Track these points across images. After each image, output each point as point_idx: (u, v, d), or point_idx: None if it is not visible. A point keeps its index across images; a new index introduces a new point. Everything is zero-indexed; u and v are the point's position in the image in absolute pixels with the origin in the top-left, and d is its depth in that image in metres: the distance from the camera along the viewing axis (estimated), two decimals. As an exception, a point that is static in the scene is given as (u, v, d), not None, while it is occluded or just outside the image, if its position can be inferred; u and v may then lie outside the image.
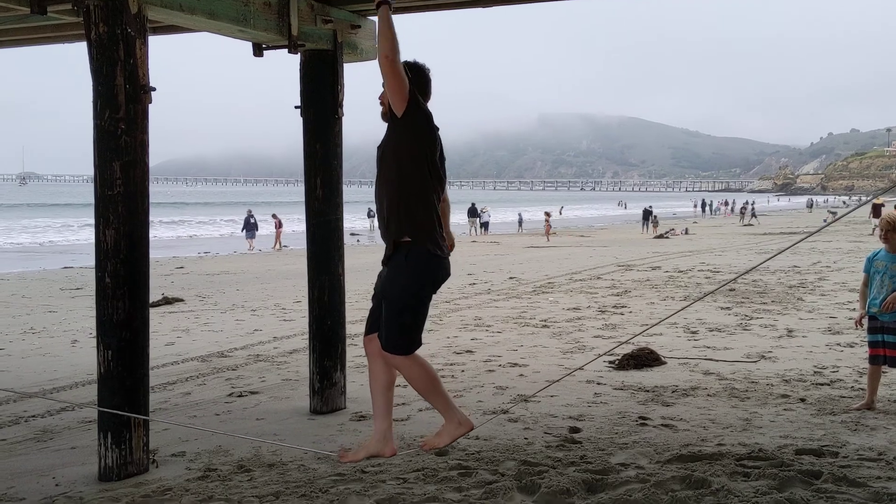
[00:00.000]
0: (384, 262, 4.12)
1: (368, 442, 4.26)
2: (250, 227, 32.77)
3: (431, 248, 3.97)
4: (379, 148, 4.19)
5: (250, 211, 34.32)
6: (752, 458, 4.80)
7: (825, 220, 45.71)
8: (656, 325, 8.13)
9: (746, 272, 7.08)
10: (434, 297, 4.16)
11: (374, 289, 4.22)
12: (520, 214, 49.29)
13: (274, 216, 35.50)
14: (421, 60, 4.23)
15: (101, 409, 4.83)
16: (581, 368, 7.34)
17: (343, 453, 4.38)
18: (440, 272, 4.05)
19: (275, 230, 34.13)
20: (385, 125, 4.21)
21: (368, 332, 4.22)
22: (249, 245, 31.73)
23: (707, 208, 69.50)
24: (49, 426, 6.10)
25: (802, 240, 6.14)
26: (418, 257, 3.95)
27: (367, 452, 4.19)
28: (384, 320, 4.04)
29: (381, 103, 4.15)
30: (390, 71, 3.88)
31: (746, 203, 58.16)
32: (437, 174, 4.09)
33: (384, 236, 4.11)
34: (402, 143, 4.00)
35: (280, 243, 33.08)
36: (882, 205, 37.83)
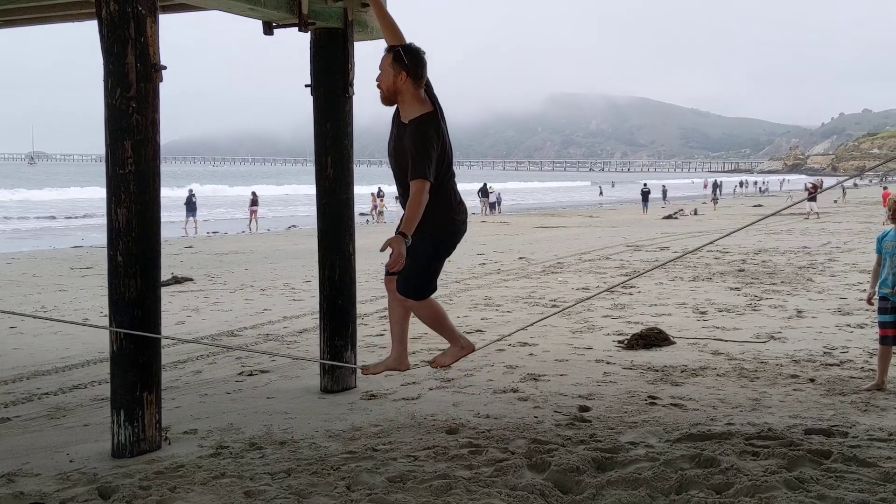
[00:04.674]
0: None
1: (387, 359, 4.79)
2: (190, 206, 30.05)
3: (455, 221, 4.40)
4: (390, 147, 4.38)
5: (192, 190, 31.84)
6: (761, 438, 4.81)
7: (835, 201, 45.55)
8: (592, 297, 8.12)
9: (695, 250, 7.06)
10: (444, 277, 4.53)
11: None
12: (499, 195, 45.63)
13: (252, 194, 34.06)
14: (417, 43, 4.33)
15: (121, 329, 4.86)
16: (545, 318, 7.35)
17: (364, 367, 4.91)
18: (458, 236, 4.49)
19: (249, 210, 32.65)
20: (385, 108, 4.37)
21: (388, 273, 4.54)
22: (185, 225, 29.18)
23: (718, 190, 67.99)
24: (62, 403, 6.15)
25: (767, 217, 6.12)
26: (440, 235, 4.38)
27: (385, 367, 4.76)
28: (404, 270, 4.34)
29: (379, 87, 4.28)
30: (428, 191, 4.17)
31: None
32: (450, 163, 4.36)
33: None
34: None
35: (256, 224, 31.53)
36: (816, 187, 37.44)
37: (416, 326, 5.23)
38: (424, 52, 4.28)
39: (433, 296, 4.55)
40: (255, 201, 33.23)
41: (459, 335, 4.76)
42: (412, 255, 4.31)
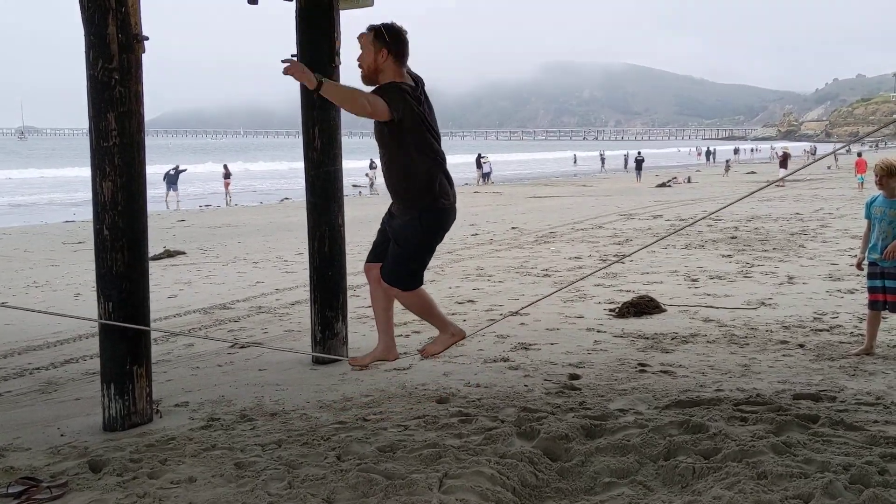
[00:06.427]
0: (393, 208, 4.34)
1: (374, 350, 4.67)
2: (170, 180, 30.41)
3: (442, 203, 4.21)
4: (375, 124, 4.23)
5: (178, 165, 32.26)
6: (749, 403, 4.84)
7: (828, 167, 45.57)
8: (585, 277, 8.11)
9: (699, 219, 7.06)
10: (436, 247, 4.40)
11: (382, 224, 4.45)
12: (490, 166, 43.22)
13: (225, 167, 34.47)
14: (398, 23, 4.24)
15: (103, 322, 4.86)
16: (546, 297, 7.37)
17: (352, 359, 4.82)
18: (450, 220, 4.32)
19: (224, 183, 32.93)
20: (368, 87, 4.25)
21: (371, 261, 4.48)
22: (167, 198, 29.50)
23: (711, 157, 69.35)
24: (53, 378, 6.15)
25: (768, 185, 6.11)
26: (432, 215, 4.21)
27: (373, 358, 4.65)
28: (392, 257, 4.30)
29: (360, 66, 4.20)
30: (370, 113, 3.96)
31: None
32: (435, 133, 4.21)
33: (394, 199, 4.31)
34: (397, 135, 4.07)
35: (229, 198, 31.76)
36: (787, 155, 37.89)
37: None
38: (406, 32, 4.20)
39: None
40: (227, 174, 33.53)
41: (449, 322, 4.61)
42: (399, 240, 4.23)
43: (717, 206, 22.29)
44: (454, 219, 4.34)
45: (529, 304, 7.03)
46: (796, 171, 5.86)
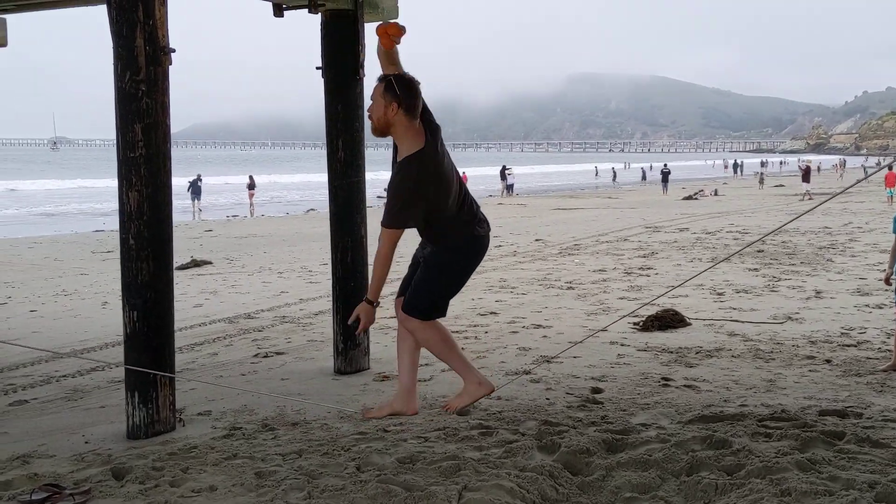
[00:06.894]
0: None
1: (392, 400, 4.43)
2: (196, 190, 31.40)
3: (476, 230, 4.13)
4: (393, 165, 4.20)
5: (199, 175, 33.45)
6: (774, 419, 4.77)
7: (858, 181, 45.06)
8: (680, 286, 8.09)
9: (771, 232, 7.01)
10: (464, 280, 4.30)
11: (414, 257, 4.32)
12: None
13: (250, 178, 35.05)
14: (409, 74, 4.15)
15: (127, 367, 4.91)
16: (605, 329, 7.32)
17: (366, 411, 4.54)
18: (483, 248, 4.20)
19: (248, 194, 33.52)
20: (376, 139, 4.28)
21: (401, 294, 4.32)
22: (193, 207, 30.46)
23: (739, 170, 68.91)
24: (79, 386, 6.22)
25: (827, 200, 6.04)
26: (464, 238, 4.12)
27: (390, 410, 4.38)
28: (416, 280, 4.15)
29: (370, 117, 4.11)
30: (398, 240, 4.08)
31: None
32: (449, 177, 4.08)
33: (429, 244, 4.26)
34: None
35: (253, 209, 32.20)
36: (809, 168, 37.54)
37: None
38: (419, 82, 4.10)
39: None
40: (252, 185, 34.00)
41: (474, 369, 4.34)
42: (428, 262, 4.08)
43: (744, 219, 22.11)
44: (486, 248, 4.20)
45: (589, 336, 6.98)
46: (854, 186, 5.86)
